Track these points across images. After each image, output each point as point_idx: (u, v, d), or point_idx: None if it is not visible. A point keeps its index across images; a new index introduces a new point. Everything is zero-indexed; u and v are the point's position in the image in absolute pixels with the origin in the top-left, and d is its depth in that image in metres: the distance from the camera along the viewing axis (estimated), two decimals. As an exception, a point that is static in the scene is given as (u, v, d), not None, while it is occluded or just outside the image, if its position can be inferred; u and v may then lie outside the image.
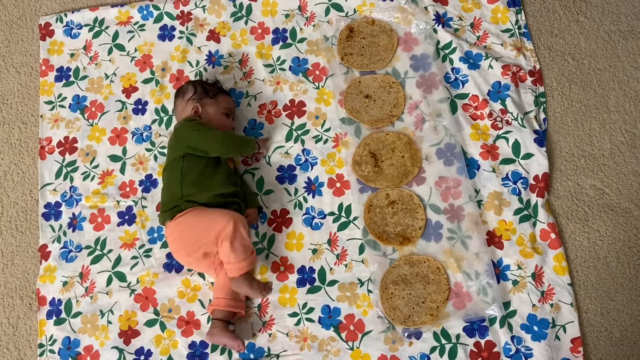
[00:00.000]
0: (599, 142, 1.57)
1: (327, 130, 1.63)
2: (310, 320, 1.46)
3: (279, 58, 1.72)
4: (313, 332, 1.45)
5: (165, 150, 1.65)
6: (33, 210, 1.67)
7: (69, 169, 1.69)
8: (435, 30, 1.68)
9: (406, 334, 1.42)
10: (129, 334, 1.50)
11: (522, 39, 1.67)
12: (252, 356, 1.44)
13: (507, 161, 1.54)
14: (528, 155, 1.54)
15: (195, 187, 1.42)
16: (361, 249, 1.51)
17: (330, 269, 1.50)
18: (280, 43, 1.74)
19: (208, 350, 1.46)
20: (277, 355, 1.44)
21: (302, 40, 1.73)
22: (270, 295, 1.49)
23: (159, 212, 1.53)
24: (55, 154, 1.71)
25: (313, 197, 1.57)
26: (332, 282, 1.49)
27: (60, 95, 1.77)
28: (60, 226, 1.63)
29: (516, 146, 1.55)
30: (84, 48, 1.82)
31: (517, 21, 1.68)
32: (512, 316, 1.41)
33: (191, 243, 1.39)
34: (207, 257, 1.43)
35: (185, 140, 1.47)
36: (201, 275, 1.52)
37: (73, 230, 1.62)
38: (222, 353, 1.45)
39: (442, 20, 1.69)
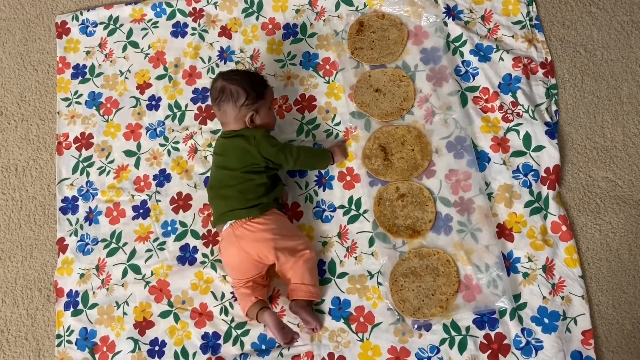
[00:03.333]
0: (612, 134, 1.56)
1: (338, 124, 1.64)
2: (320, 311, 1.47)
3: (289, 53, 1.73)
4: (324, 324, 1.47)
5: (179, 146, 1.68)
6: (51, 204, 1.71)
7: (85, 164, 1.72)
8: (445, 23, 1.68)
9: (416, 326, 1.43)
10: (143, 325, 1.53)
11: (533, 30, 1.66)
12: (263, 347, 1.47)
13: (517, 154, 1.54)
14: (539, 148, 1.53)
15: (274, 193, 1.48)
16: (371, 242, 1.52)
17: (340, 261, 1.51)
18: (291, 38, 1.75)
19: (220, 342, 1.49)
20: (288, 346, 1.46)
21: (312, 35, 1.74)
22: (282, 287, 1.50)
23: (225, 210, 1.46)
24: (72, 149, 1.75)
25: (323, 190, 1.58)
26: (342, 275, 1.50)
27: (76, 92, 1.81)
28: (77, 220, 1.67)
29: (527, 138, 1.54)
30: (99, 45, 1.85)
31: (528, 13, 1.67)
32: (523, 308, 1.41)
33: (284, 235, 1.43)
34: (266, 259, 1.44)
35: (264, 153, 1.47)
36: (213, 267, 1.54)
37: (89, 224, 1.66)
38: (234, 344, 1.48)
39: (452, 13, 1.69)
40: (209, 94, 1.72)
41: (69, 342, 1.55)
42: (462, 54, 1.65)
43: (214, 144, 1.65)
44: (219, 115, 1.54)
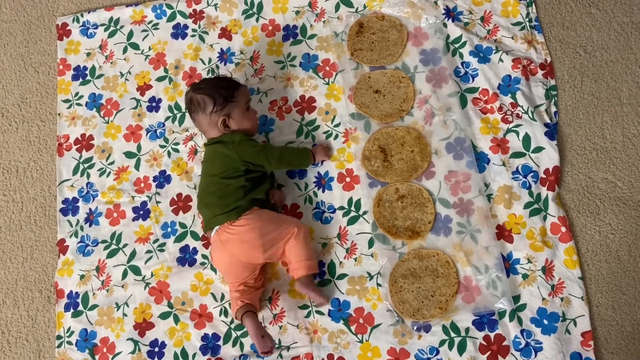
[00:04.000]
0: (611, 135, 1.56)
1: (337, 125, 1.64)
2: (320, 313, 1.48)
3: (289, 54, 1.74)
4: (323, 325, 1.47)
5: (179, 147, 1.69)
6: (51, 205, 1.71)
7: (85, 165, 1.73)
8: (445, 25, 1.68)
9: (415, 327, 1.43)
10: (143, 326, 1.54)
11: (533, 32, 1.66)
12: (263, 348, 1.47)
13: (517, 155, 1.54)
14: (538, 149, 1.53)
15: (253, 194, 1.48)
16: (370, 243, 1.52)
17: (340, 262, 1.51)
18: (291, 40, 1.75)
19: (220, 343, 1.49)
20: (288, 347, 1.46)
21: (312, 36, 1.74)
22: (281, 288, 1.51)
23: (210, 217, 1.47)
24: (73, 150, 1.75)
25: (323, 191, 1.59)
26: (342, 276, 1.50)
27: (77, 93, 1.82)
28: (78, 221, 1.67)
29: (526, 140, 1.54)
30: (99, 47, 1.86)
31: (527, 14, 1.67)
32: (522, 310, 1.41)
33: (268, 233, 1.42)
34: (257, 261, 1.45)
35: (244, 156, 1.47)
36: (213, 269, 1.55)
37: (90, 225, 1.66)
38: (234, 345, 1.48)
39: (452, 14, 1.69)
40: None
41: (69, 343, 1.56)
42: (461, 55, 1.65)
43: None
44: (197, 126, 1.57)
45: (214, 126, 1.51)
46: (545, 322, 1.40)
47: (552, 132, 1.54)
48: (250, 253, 1.42)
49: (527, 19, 1.66)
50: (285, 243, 1.44)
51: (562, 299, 1.41)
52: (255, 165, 1.50)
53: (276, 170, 1.58)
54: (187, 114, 1.70)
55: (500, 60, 1.62)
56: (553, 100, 1.60)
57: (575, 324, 1.39)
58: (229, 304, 1.51)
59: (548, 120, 1.56)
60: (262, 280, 1.50)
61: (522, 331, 1.40)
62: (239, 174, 1.47)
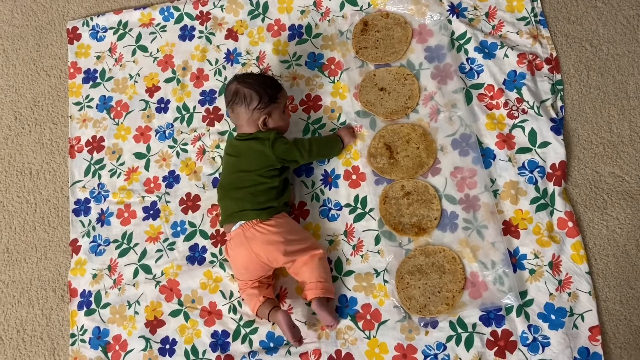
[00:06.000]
0: (618, 129, 1.55)
1: (343, 123, 1.65)
2: (327, 309, 1.49)
3: (295, 54, 1.75)
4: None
5: (188, 147, 1.71)
6: (64, 206, 1.75)
7: (96, 166, 1.76)
8: (449, 21, 1.68)
9: (422, 323, 1.44)
10: (154, 324, 1.56)
11: (538, 26, 1.65)
12: (272, 345, 1.49)
13: (523, 150, 1.53)
14: (545, 144, 1.53)
15: (284, 198, 1.50)
16: (377, 240, 1.53)
17: (347, 259, 1.53)
18: (296, 39, 1.77)
19: (229, 340, 1.51)
20: (297, 345, 1.47)
21: (317, 35, 1.76)
22: (288, 285, 1.52)
23: (235, 211, 1.47)
24: (84, 152, 1.78)
25: (329, 189, 1.60)
26: (349, 273, 1.51)
27: (87, 96, 1.85)
28: (90, 221, 1.71)
29: (532, 135, 1.54)
30: (109, 50, 1.89)
31: (533, 9, 1.66)
32: (529, 305, 1.41)
33: (293, 241, 1.44)
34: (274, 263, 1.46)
35: (278, 153, 1.49)
36: (222, 267, 1.57)
37: (101, 225, 1.69)
38: (243, 342, 1.50)
39: (456, 10, 1.69)
40: (215, 95, 1.75)
41: (83, 341, 1.59)
42: (466, 52, 1.65)
43: (222, 144, 1.69)
44: (232, 118, 1.56)
45: (253, 122, 1.51)
46: (553, 317, 1.39)
47: (558, 126, 1.54)
48: (272, 255, 1.43)
49: (532, 14, 1.66)
50: (308, 258, 1.44)
51: (569, 294, 1.41)
52: (289, 162, 1.52)
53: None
54: (195, 115, 1.73)
55: (506, 55, 1.61)
56: (559, 94, 1.59)
57: (582, 319, 1.39)
58: (238, 301, 1.53)
59: (554, 115, 1.56)
60: (273, 278, 1.52)
61: (529, 326, 1.40)
62: (274, 174, 1.49)
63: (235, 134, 1.62)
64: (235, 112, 1.53)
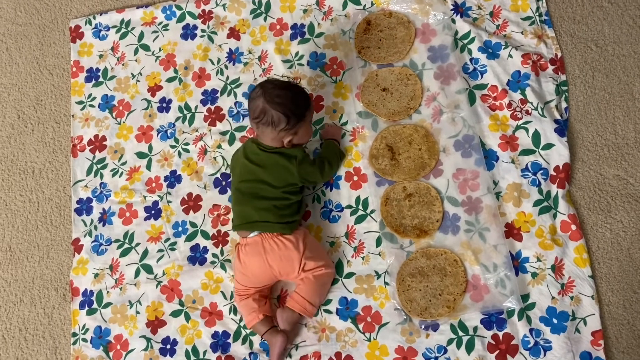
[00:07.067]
0: (623, 131, 1.53)
1: (345, 124, 1.64)
2: (328, 311, 1.48)
3: (297, 53, 1.74)
4: (331, 324, 1.48)
5: (189, 147, 1.70)
6: (66, 205, 1.75)
7: (99, 166, 1.76)
8: (453, 21, 1.66)
9: (423, 326, 1.43)
10: (155, 324, 1.57)
11: (543, 26, 1.63)
12: (272, 346, 1.48)
13: (526, 152, 1.52)
14: (548, 146, 1.51)
15: (302, 211, 1.53)
16: (378, 242, 1.52)
17: (348, 261, 1.52)
18: (299, 38, 1.76)
19: (230, 340, 1.51)
20: (296, 346, 1.47)
21: (319, 34, 1.74)
22: (289, 287, 1.52)
23: (256, 220, 1.46)
24: (86, 151, 1.78)
25: (331, 190, 1.59)
26: (350, 275, 1.51)
27: (90, 95, 1.85)
28: (92, 221, 1.71)
29: (536, 136, 1.52)
30: (111, 49, 1.89)
31: (537, 8, 1.64)
32: (531, 309, 1.40)
33: (310, 256, 1.44)
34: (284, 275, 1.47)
35: (304, 174, 1.49)
36: (223, 267, 1.56)
37: (103, 225, 1.70)
38: (243, 343, 1.50)
39: (460, 10, 1.67)
40: (217, 95, 1.75)
41: (84, 340, 1.59)
42: (470, 52, 1.63)
43: (223, 144, 1.68)
44: (256, 130, 1.50)
45: (278, 140, 1.47)
46: (555, 321, 1.38)
47: (562, 128, 1.52)
48: (286, 269, 1.43)
49: (537, 14, 1.64)
50: (308, 274, 1.44)
51: (572, 298, 1.40)
52: (309, 182, 1.54)
53: None
54: (196, 114, 1.73)
55: (510, 55, 1.60)
56: (564, 96, 1.57)
57: (585, 323, 1.38)
58: (239, 302, 1.53)
59: (558, 117, 1.54)
60: (271, 289, 1.53)
61: (531, 330, 1.39)
62: (297, 190, 1.50)
63: (239, 135, 1.61)
64: (260, 129, 1.47)
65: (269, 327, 1.44)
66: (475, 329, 1.41)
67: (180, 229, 1.64)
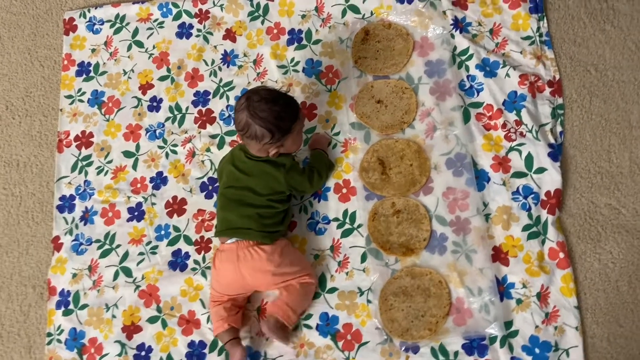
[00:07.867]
0: (618, 159, 1.50)
1: (337, 134, 1.61)
2: (308, 326, 1.45)
3: (293, 59, 1.71)
4: (310, 339, 1.45)
5: (177, 149, 1.67)
6: (49, 202, 1.72)
7: (84, 162, 1.73)
8: (452, 36, 1.63)
9: (403, 348, 1.40)
10: (131, 329, 1.53)
11: (542, 47, 1.60)
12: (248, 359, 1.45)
13: (518, 175, 1.49)
14: (541, 170, 1.48)
15: (287, 221, 1.50)
16: (363, 258, 1.49)
17: (332, 275, 1.49)
18: (295, 44, 1.72)
19: (206, 351, 1.48)
20: (273, 360, 1.45)
21: (317, 41, 1.71)
22: (269, 299, 1.49)
23: (238, 227, 1.43)
24: (72, 147, 1.75)
25: (319, 201, 1.56)
26: (332, 290, 1.48)
27: (79, 89, 1.81)
28: (73, 219, 1.67)
29: (529, 159, 1.49)
30: (104, 44, 1.85)
31: (538, 28, 1.61)
32: (514, 336, 1.37)
33: (286, 264, 1.41)
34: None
35: (292, 183, 1.46)
36: (204, 275, 1.53)
37: (85, 224, 1.66)
38: (219, 354, 1.47)
39: (460, 25, 1.64)
40: (209, 97, 1.72)
41: (59, 341, 1.56)
42: (467, 68, 1.60)
43: (212, 148, 1.65)
44: (242, 141, 1.48)
45: (264, 152, 1.44)
46: (537, 350, 1.35)
47: (556, 153, 1.49)
48: (259, 281, 1.41)
49: (538, 33, 1.61)
50: (291, 281, 1.41)
51: (555, 328, 1.37)
52: (298, 192, 1.51)
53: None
54: (187, 115, 1.70)
55: (507, 75, 1.57)
56: (559, 119, 1.54)
57: (567, 355, 1.35)
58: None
59: (552, 141, 1.51)
60: (247, 301, 1.50)
61: (512, 359, 1.36)
62: (283, 199, 1.46)
63: (229, 139, 1.60)
64: (245, 141, 1.45)
65: (232, 338, 1.40)
66: (456, 353, 1.38)
67: (162, 232, 1.61)
